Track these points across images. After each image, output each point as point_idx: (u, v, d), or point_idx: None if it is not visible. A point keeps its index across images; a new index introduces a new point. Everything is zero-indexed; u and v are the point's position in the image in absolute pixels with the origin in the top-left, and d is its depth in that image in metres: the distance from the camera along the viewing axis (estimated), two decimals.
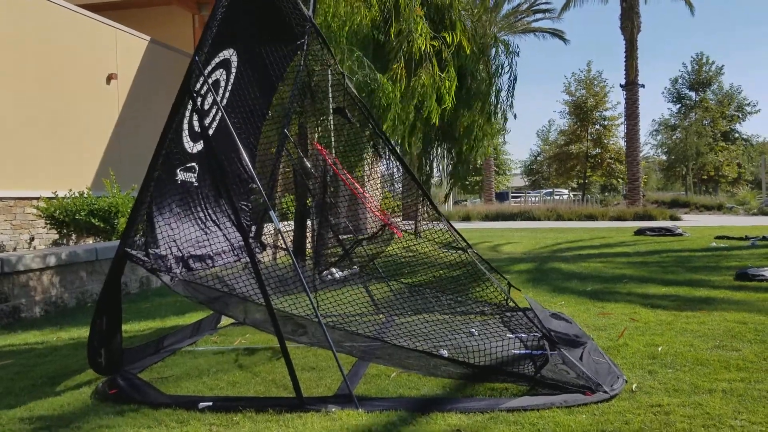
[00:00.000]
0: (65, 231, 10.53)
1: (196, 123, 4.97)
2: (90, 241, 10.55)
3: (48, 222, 10.51)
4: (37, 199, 10.82)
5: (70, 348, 5.76)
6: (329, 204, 6.32)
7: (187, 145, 4.98)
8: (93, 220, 9.95)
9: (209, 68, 4.96)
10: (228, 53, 5.22)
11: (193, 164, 5.09)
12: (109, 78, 13.08)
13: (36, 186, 11.00)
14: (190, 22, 16.95)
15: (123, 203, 10.12)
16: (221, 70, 5.20)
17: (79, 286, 7.95)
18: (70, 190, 10.75)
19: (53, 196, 10.70)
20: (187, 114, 4.82)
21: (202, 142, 5.11)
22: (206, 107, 5.08)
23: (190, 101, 4.51)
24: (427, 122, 9.99)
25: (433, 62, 9.67)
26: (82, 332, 6.25)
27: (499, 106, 11.67)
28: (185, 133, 4.95)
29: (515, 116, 12.94)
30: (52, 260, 7.46)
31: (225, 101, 5.35)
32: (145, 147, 8.88)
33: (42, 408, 4.05)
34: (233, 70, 5.34)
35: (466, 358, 4.39)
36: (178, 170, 4.92)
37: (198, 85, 4.69)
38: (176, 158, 4.84)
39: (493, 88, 11.44)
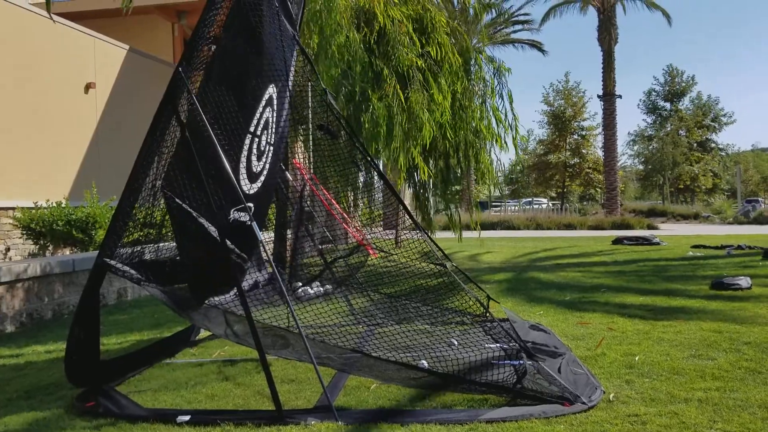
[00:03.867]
0: (42, 242, 10.40)
1: (255, 163, 4.92)
2: (67, 251, 10.43)
3: (25, 232, 10.38)
4: (14, 209, 10.69)
5: (47, 361, 5.69)
6: (308, 215, 6.31)
7: (244, 185, 4.86)
8: (70, 231, 9.85)
9: (260, 108, 4.93)
10: (271, 90, 5.17)
11: (250, 204, 4.94)
12: (88, 87, 12.97)
13: (12, 196, 10.85)
14: (169, 30, 16.89)
15: (101, 214, 10.03)
16: (269, 108, 5.15)
17: (56, 298, 7.85)
18: (48, 200, 10.63)
19: (31, 206, 10.57)
20: (245, 154, 4.78)
21: (259, 182, 5.05)
22: (262, 147, 5.07)
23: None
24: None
25: (430, 81, 9.62)
26: (59, 345, 6.17)
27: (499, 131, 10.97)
28: (243, 174, 4.84)
29: (517, 151, 11.86)
30: (27, 272, 7.36)
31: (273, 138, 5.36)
32: (124, 157, 8.80)
33: (17, 422, 3.99)
34: (275, 107, 5.32)
35: (446, 369, 4.40)
36: (232, 210, 4.62)
37: (252, 126, 4.71)
38: (230, 198, 4.58)
39: (485, 108, 11.10)
